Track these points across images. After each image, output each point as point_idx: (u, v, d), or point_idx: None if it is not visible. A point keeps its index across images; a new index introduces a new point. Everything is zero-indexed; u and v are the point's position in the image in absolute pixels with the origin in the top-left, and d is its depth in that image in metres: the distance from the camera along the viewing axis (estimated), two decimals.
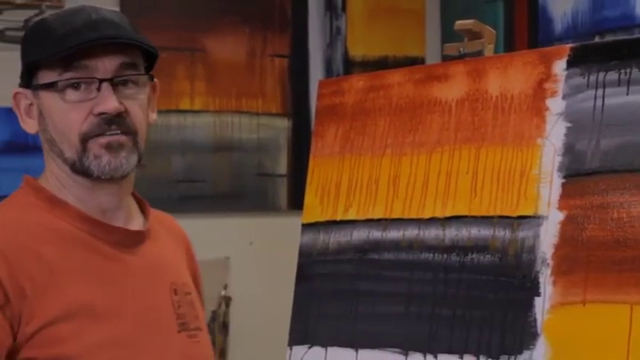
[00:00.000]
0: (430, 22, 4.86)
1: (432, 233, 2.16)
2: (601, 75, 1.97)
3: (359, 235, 2.32)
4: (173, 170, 4.46)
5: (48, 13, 1.68)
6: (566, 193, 1.97)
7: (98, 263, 1.63)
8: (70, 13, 1.63)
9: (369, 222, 2.30)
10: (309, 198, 2.47)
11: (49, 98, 1.62)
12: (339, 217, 2.38)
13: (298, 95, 4.59)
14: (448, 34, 4.24)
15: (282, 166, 4.51)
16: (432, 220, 2.17)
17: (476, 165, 2.12)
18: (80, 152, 1.62)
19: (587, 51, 2.02)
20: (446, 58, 2.30)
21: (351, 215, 2.35)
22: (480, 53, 2.25)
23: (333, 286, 2.33)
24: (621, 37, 3.11)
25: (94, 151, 1.61)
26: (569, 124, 2.00)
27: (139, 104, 1.65)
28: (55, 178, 1.67)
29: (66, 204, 1.65)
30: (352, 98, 2.42)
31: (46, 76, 1.61)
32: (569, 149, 1.98)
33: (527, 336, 1.95)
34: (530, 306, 1.96)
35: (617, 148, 1.92)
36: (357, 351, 2.24)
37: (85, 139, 1.61)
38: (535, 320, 1.94)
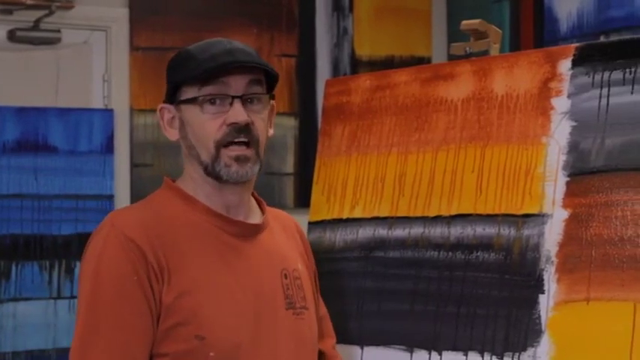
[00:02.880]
0: (436, 22, 4.87)
1: (437, 231, 2.18)
2: (606, 74, 1.98)
3: (365, 233, 2.33)
4: (181, 169, 4.48)
5: (192, 45, 2.02)
6: (571, 192, 1.98)
7: (220, 249, 1.93)
8: (210, 43, 1.97)
9: (375, 220, 2.31)
10: (316, 196, 2.49)
11: (190, 111, 1.94)
12: (345, 216, 2.39)
13: (305, 94, 4.60)
14: (454, 34, 4.25)
15: (289, 164, 4.52)
16: (438, 219, 2.18)
17: (481, 163, 2.14)
18: (214, 158, 1.93)
19: (592, 50, 2.03)
20: (452, 58, 2.31)
21: (357, 213, 2.36)
22: (485, 53, 2.26)
23: (339, 284, 2.34)
24: (626, 36, 3.11)
25: (225, 161, 1.93)
26: (574, 123, 2.01)
27: (261, 118, 1.96)
28: (191, 178, 1.98)
29: (196, 201, 1.96)
30: (359, 97, 2.44)
31: (188, 93, 1.93)
32: (573, 148, 1.99)
33: (531, 333, 1.96)
34: (534, 303, 1.97)
35: (621, 146, 1.93)
36: (362, 348, 2.26)
37: (218, 147, 1.92)
38: (539, 317, 1.96)
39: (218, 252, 1.94)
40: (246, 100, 1.93)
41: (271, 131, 2.03)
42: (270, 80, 2.00)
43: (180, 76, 1.95)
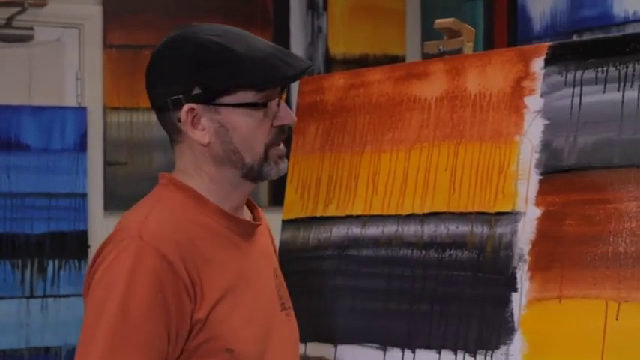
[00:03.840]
0: (411, 21, 4.88)
1: (410, 229, 2.18)
2: (578, 73, 1.99)
3: (338, 231, 2.33)
4: (155, 167, 4.47)
5: (202, 34, 1.84)
6: (544, 190, 1.98)
7: (233, 252, 1.86)
8: (238, 37, 1.84)
9: (349, 218, 2.31)
10: (290, 195, 2.48)
11: (237, 114, 1.82)
12: (319, 214, 2.39)
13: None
14: (428, 33, 4.26)
15: None
16: (411, 217, 2.19)
17: (454, 162, 2.14)
18: (262, 159, 1.85)
19: (565, 49, 2.03)
20: (426, 57, 2.32)
21: (330, 212, 2.36)
22: (459, 51, 2.26)
23: (312, 283, 2.34)
24: (598, 35, 3.13)
25: (274, 159, 1.86)
26: (546, 122, 2.02)
27: None
28: (209, 179, 1.86)
29: (208, 201, 1.85)
30: (333, 96, 2.44)
31: (239, 96, 1.81)
32: (546, 146, 2.00)
33: (504, 331, 1.96)
34: (507, 301, 1.97)
35: (593, 145, 1.94)
36: (336, 346, 2.25)
37: (267, 148, 1.85)
38: (512, 315, 1.96)
39: (232, 255, 1.86)
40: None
41: None
42: None
43: (239, 79, 1.81)
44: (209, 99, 1.82)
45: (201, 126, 1.83)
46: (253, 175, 1.86)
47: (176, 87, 1.82)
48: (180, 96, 1.81)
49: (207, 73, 1.82)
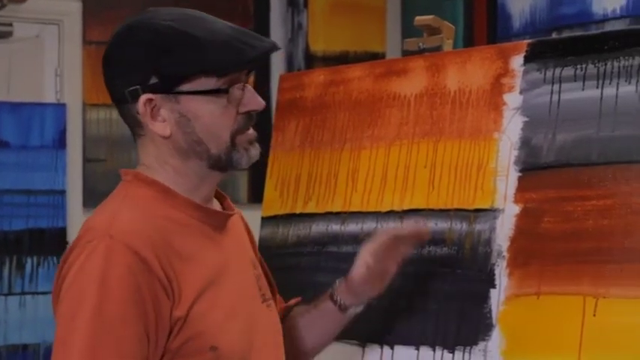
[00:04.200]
0: (391, 18, 4.88)
1: (390, 226, 2.18)
2: (557, 70, 1.99)
3: (318, 228, 2.33)
4: (134, 164, 4.46)
5: (160, 20, 1.75)
6: (522, 187, 1.99)
7: (207, 245, 1.77)
8: (196, 19, 1.76)
9: (328, 215, 2.31)
10: (269, 191, 2.48)
11: (198, 102, 1.73)
12: (298, 211, 2.39)
13: (259, 89, 4.58)
14: (409, 30, 4.26)
15: None
16: (390, 214, 2.19)
17: (434, 159, 2.14)
18: (229, 148, 1.76)
19: (544, 47, 2.04)
20: (406, 54, 2.32)
21: (310, 208, 2.36)
22: (439, 48, 2.26)
23: (292, 279, 2.34)
24: (577, 33, 3.14)
25: (243, 145, 1.78)
26: (525, 119, 2.02)
27: None
28: (175, 172, 1.77)
29: (177, 194, 1.77)
30: (312, 92, 2.44)
31: (202, 83, 1.72)
32: (525, 143, 2.01)
33: (482, 327, 1.97)
34: (485, 298, 1.98)
35: (572, 142, 1.94)
36: None
37: (234, 136, 1.76)
38: (490, 312, 1.97)
39: (206, 249, 1.77)
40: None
41: None
42: None
43: (196, 65, 1.72)
44: (167, 88, 1.73)
45: (161, 117, 1.74)
46: (221, 164, 1.78)
47: (133, 77, 1.73)
48: (138, 87, 1.73)
49: (163, 61, 1.72)
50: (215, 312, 1.71)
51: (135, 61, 1.74)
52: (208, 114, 1.74)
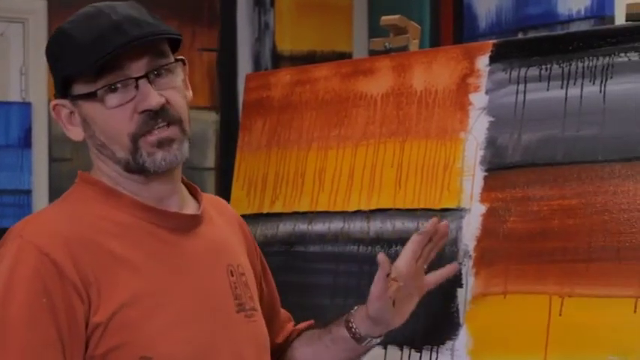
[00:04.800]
0: (357, 17, 4.89)
1: (357, 226, 2.18)
2: (522, 71, 2.01)
3: (285, 227, 2.33)
4: None
5: (65, 22, 1.70)
6: (488, 187, 2.00)
7: (158, 249, 1.67)
8: (89, 17, 1.67)
9: (295, 215, 2.31)
10: (236, 191, 2.48)
11: (90, 107, 1.66)
12: (265, 210, 2.39)
13: (226, 89, 4.59)
14: (375, 30, 4.27)
15: (210, 159, 4.50)
16: (357, 213, 2.19)
17: (400, 158, 2.15)
18: (133, 151, 1.65)
19: (510, 47, 2.05)
20: (372, 53, 2.32)
21: (277, 208, 2.36)
22: (405, 48, 2.27)
23: None
24: (543, 33, 3.15)
25: (147, 149, 1.65)
26: (491, 119, 2.03)
27: (177, 91, 1.68)
28: (108, 177, 1.70)
29: (121, 194, 1.69)
30: (279, 92, 2.43)
31: (82, 87, 1.65)
32: (491, 143, 2.02)
33: (449, 326, 1.98)
34: (452, 297, 1.98)
35: (537, 142, 1.95)
36: None
37: (135, 138, 1.65)
38: (457, 311, 1.97)
39: (154, 252, 1.66)
40: (152, 76, 1.64)
41: (190, 94, 1.75)
42: (173, 41, 1.71)
43: (68, 70, 1.65)
44: (63, 93, 1.68)
45: (75, 122, 1.69)
46: (132, 168, 1.67)
47: (55, 81, 1.71)
48: (54, 94, 1.70)
49: (56, 66, 1.68)
50: (152, 321, 1.61)
51: (50, 67, 1.72)
52: (100, 116, 1.66)
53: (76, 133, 1.70)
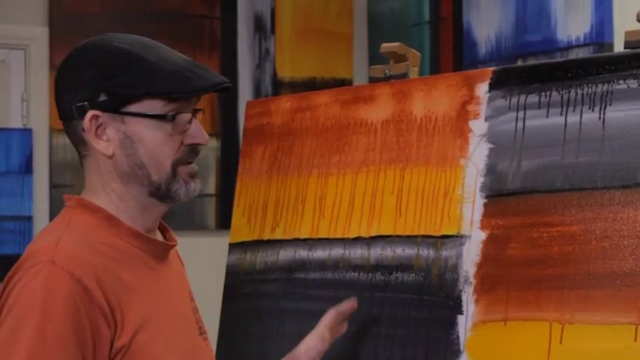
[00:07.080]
0: (358, 44, 4.90)
1: (357, 253, 2.18)
2: (522, 97, 2.01)
3: (285, 254, 2.33)
4: None
5: (116, 42, 1.76)
6: (488, 213, 2.00)
7: (148, 275, 1.75)
8: (148, 46, 1.77)
9: (296, 241, 2.32)
10: (237, 218, 2.48)
11: (143, 126, 1.72)
12: (265, 237, 2.39)
13: (227, 115, 4.60)
14: (375, 57, 4.28)
15: (211, 185, 4.50)
16: (358, 240, 2.19)
17: (400, 185, 2.15)
18: (170, 177, 1.75)
19: (509, 74, 2.06)
20: (372, 80, 2.33)
21: (277, 235, 2.36)
22: (405, 75, 2.28)
23: (259, 306, 2.34)
24: (542, 60, 3.16)
25: (184, 178, 1.76)
26: (491, 146, 2.04)
27: None
28: (117, 197, 1.76)
29: (120, 222, 1.75)
30: (279, 119, 2.44)
31: (148, 106, 1.72)
32: (491, 170, 2.02)
33: (450, 353, 1.97)
34: (453, 324, 1.98)
35: (537, 169, 1.96)
36: None
37: (175, 165, 1.75)
38: (458, 338, 1.97)
39: (146, 278, 1.74)
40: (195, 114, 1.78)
41: None
42: None
43: (140, 88, 1.71)
44: (115, 107, 1.71)
45: (105, 136, 1.72)
46: (161, 193, 1.75)
47: (82, 94, 1.72)
48: (85, 103, 1.71)
49: (114, 80, 1.72)
50: (156, 344, 1.68)
51: (85, 78, 1.73)
52: (152, 138, 1.73)
53: (105, 147, 1.73)
